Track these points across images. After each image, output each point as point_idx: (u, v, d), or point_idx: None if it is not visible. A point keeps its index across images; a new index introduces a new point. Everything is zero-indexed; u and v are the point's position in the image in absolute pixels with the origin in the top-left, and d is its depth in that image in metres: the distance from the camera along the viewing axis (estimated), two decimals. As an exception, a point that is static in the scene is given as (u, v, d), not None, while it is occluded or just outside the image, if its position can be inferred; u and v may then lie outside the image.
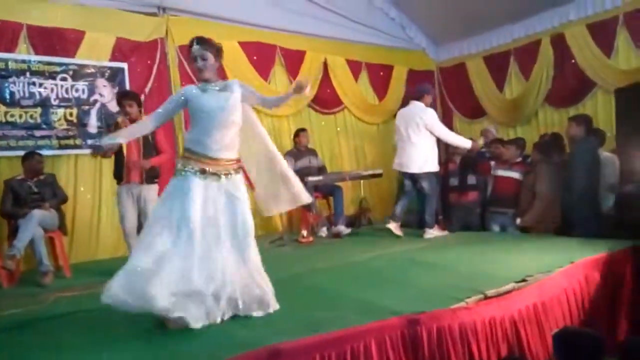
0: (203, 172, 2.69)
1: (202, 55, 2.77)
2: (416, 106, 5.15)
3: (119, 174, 4.17)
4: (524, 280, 3.08)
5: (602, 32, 5.96)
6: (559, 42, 6.39)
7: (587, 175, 4.52)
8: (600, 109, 6.11)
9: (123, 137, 3.04)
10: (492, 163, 5.55)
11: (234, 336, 2.44)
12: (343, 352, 2.24)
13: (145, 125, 2.94)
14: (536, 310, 2.98)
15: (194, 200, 2.61)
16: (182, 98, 2.81)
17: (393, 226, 5.16)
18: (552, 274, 3.23)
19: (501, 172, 5.38)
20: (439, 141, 5.22)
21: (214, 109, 2.72)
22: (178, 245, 2.55)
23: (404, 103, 7.46)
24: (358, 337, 2.31)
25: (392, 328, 2.41)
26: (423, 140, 5.03)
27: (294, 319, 2.64)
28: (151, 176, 4.25)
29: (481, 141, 5.57)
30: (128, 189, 4.15)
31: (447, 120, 7.96)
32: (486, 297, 2.86)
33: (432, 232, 5.12)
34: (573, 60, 6.24)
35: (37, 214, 4.08)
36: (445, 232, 5.27)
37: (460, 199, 5.67)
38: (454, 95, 7.97)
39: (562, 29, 6.37)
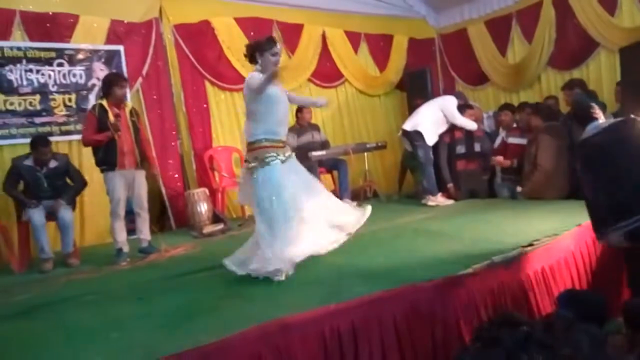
0: (281, 156, 3.13)
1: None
2: (446, 98, 5.72)
3: (112, 160, 4.08)
4: (530, 245, 3.07)
5: (605, -11, 5.81)
6: (560, 2, 6.25)
7: None
8: (604, 70, 6.01)
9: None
10: (502, 131, 5.58)
11: (243, 310, 2.46)
12: (352, 322, 2.25)
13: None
14: (544, 274, 2.98)
15: (287, 187, 3.07)
16: None
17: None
18: (559, 237, 3.21)
19: (512, 139, 5.35)
20: None
21: (284, 98, 3.19)
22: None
23: (406, 73, 7.43)
24: (367, 307, 2.32)
25: (401, 297, 2.42)
26: (431, 115, 5.43)
27: (301, 292, 2.66)
28: (141, 162, 4.28)
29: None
30: (122, 174, 4.10)
31: (449, 88, 7.93)
32: (493, 263, 2.85)
33: (435, 199, 5.24)
34: (575, 21, 6.10)
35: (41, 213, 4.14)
36: (451, 201, 5.29)
37: (467, 166, 5.62)
38: (455, 62, 7.85)
39: (564, -12, 6.22)
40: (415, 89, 7.15)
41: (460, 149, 5.62)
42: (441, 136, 5.60)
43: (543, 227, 3.45)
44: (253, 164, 3.09)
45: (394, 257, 3.24)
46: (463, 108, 5.56)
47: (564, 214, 3.78)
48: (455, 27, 7.73)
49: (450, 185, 5.51)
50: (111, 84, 4.11)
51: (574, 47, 6.23)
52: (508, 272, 2.81)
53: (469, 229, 3.82)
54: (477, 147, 5.59)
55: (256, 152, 3.09)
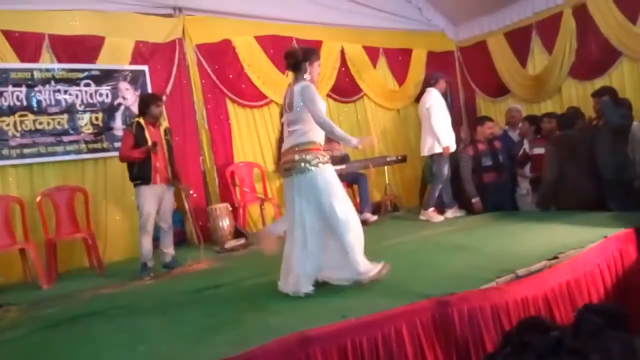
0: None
1: None
2: (427, 92, 5.52)
3: (146, 176, 4.22)
4: (555, 258, 3.03)
5: (627, -2, 5.75)
6: (581, 12, 6.19)
7: (616, 147, 4.40)
8: (627, 79, 5.91)
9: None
10: (525, 142, 5.52)
11: (265, 324, 2.48)
12: (374, 337, 2.25)
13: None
14: (569, 288, 2.92)
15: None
16: None
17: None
18: (585, 250, 3.15)
19: (536, 150, 5.31)
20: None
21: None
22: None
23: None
24: (389, 321, 2.31)
25: (423, 311, 2.41)
26: (429, 124, 5.33)
27: (322, 306, 2.67)
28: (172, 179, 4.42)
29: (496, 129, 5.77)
30: (152, 189, 4.23)
31: (470, 101, 7.91)
32: (517, 277, 2.82)
33: (425, 214, 5.35)
34: (596, 30, 6.04)
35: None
36: (441, 218, 5.33)
37: (494, 179, 5.49)
38: (475, 74, 7.82)
39: (584, -1, 6.18)
40: (435, 102, 7.13)
41: (486, 161, 5.47)
42: (463, 149, 5.57)
43: (568, 240, 3.39)
44: (309, 163, 2.98)
45: (416, 271, 3.23)
46: (435, 79, 5.56)
47: (590, 226, 3.71)
48: (475, 40, 7.72)
49: (475, 199, 5.33)
50: (148, 103, 4.30)
51: (596, 56, 6.15)
52: (532, 285, 2.77)
53: (492, 242, 3.78)
54: (502, 159, 5.53)
55: (312, 153, 3.01)
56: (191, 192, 5.26)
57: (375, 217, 5.64)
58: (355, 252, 2.94)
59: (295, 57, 3.13)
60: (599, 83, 6.01)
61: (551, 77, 6.62)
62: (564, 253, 3.09)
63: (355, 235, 2.97)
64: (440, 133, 5.30)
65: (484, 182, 5.42)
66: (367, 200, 5.84)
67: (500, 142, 5.69)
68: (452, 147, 5.38)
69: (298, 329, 2.20)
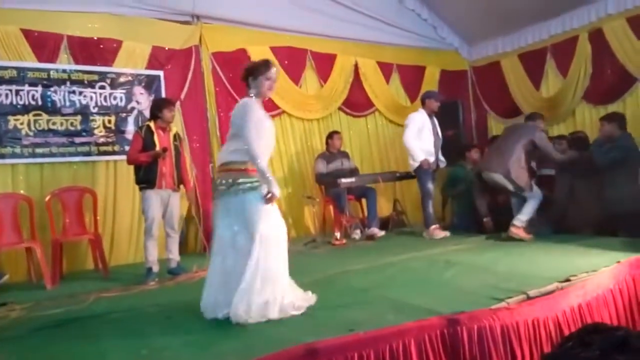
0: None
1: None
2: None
3: (151, 180, 4.21)
4: (567, 280, 2.98)
5: (644, 25, 5.74)
6: (597, 37, 6.19)
7: (628, 172, 4.36)
8: (643, 105, 5.89)
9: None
10: (533, 163, 5.43)
11: (271, 334, 2.44)
12: (381, 351, 2.20)
13: None
14: (581, 312, 2.86)
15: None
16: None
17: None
18: (597, 273, 3.10)
19: (545, 171, 5.31)
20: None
21: (272, 130, 2.99)
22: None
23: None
24: (397, 336, 2.26)
25: (432, 328, 2.36)
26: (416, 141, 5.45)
27: (329, 318, 2.63)
28: (178, 184, 4.43)
29: None
30: (158, 193, 4.23)
31: (481, 120, 7.89)
32: (528, 298, 2.77)
33: (428, 232, 5.33)
34: (612, 55, 6.03)
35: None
36: (444, 234, 5.31)
37: (508, 199, 5.43)
38: (488, 94, 7.82)
39: (600, 24, 6.17)
40: (446, 120, 7.09)
41: None
42: (475, 167, 5.54)
43: (579, 263, 3.35)
44: (245, 185, 2.80)
45: (425, 288, 3.18)
46: (422, 99, 5.67)
47: (602, 250, 3.68)
48: (489, 60, 7.73)
49: (486, 219, 5.24)
50: (162, 107, 4.32)
51: (611, 81, 6.14)
52: (544, 307, 2.72)
53: (503, 262, 3.73)
54: None
55: (244, 175, 2.82)
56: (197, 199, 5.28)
57: (382, 233, 5.60)
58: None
59: (244, 73, 3.00)
60: (613, 108, 6.00)
61: (565, 101, 6.61)
62: (576, 276, 3.04)
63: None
64: (412, 151, 5.41)
65: (498, 202, 5.35)
66: (375, 215, 5.81)
67: None
68: (430, 162, 5.43)
69: (304, 341, 2.16)
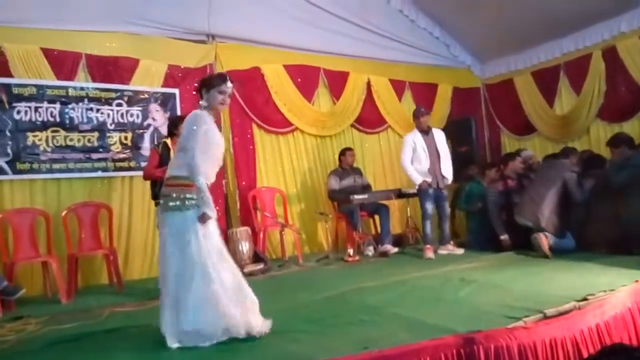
0: None
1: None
2: None
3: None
4: (585, 300, 2.93)
5: (658, 43, 5.74)
6: (610, 54, 6.19)
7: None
8: (658, 122, 5.85)
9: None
10: None
11: (284, 349, 2.44)
12: (396, 370, 2.18)
13: None
14: (599, 331, 2.81)
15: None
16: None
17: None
18: (616, 292, 3.05)
19: None
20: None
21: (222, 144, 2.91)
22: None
23: (450, 121, 7.45)
24: (412, 355, 2.24)
25: (448, 346, 2.33)
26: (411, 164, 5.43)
27: (342, 336, 2.61)
28: None
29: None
30: None
31: (494, 138, 7.86)
32: (546, 317, 2.73)
33: (426, 252, 5.25)
34: (626, 73, 6.01)
35: None
36: (459, 251, 5.34)
37: None
38: (501, 112, 7.82)
39: (614, 42, 6.17)
40: (459, 138, 7.14)
41: (517, 198, 5.27)
42: (492, 184, 5.50)
43: (597, 282, 3.30)
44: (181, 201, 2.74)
45: (439, 306, 3.15)
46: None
47: (619, 269, 3.62)
48: (501, 77, 7.74)
49: (504, 237, 5.18)
50: (178, 124, 4.32)
51: (625, 99, 6.11)
52: (561, 326, 2.68)
53: (519, 280, 3.68)
54: None
55: (186, 191, 2.75)
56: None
57: (395, 249, 5.57)
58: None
59: (198, 85, 2.96)
60: (627, 126, 5.97)
61: (579, 118, 6.59)
62: (594, 295, 2.99)
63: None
64: (408, 174, 5.43)
65: (514, 220, 5.23)
66: (389, 231, 5.79)
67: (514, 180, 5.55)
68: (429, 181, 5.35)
69: (317, 358, 2.15)
